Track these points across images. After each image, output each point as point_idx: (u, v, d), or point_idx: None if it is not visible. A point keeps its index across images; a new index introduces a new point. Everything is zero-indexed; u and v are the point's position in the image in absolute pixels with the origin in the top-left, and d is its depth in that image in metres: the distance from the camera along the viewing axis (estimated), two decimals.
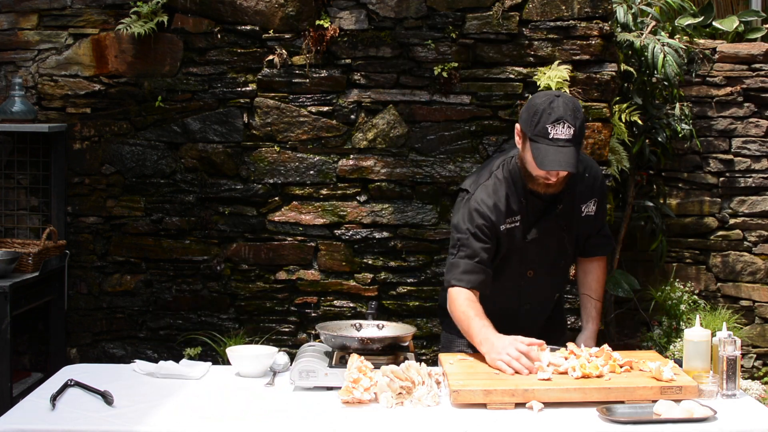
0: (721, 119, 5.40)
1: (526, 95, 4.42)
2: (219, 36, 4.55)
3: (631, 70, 4.71)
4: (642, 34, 4.87)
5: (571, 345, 3.00)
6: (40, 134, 4.61)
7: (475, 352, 3.08)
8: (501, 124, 4.51)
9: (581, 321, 3.38)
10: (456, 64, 4.46)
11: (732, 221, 5.41)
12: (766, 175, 5.38)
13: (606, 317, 4.88)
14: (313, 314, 4.63)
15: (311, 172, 4.58)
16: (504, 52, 4.46)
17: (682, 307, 5.06)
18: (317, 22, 4.49)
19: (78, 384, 2.83)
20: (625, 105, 4.64)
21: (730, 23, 5.50)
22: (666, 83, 5.00)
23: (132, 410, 2.67)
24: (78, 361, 4.53)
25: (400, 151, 4.55)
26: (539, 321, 3.29)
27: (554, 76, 4.27)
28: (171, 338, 4.68)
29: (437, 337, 4.57)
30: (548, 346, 2.97)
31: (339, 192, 4.58)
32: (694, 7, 5.41)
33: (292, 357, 3.06)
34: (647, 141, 5.06)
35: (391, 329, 3.17)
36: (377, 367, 2.81)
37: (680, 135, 5.16)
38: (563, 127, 2.91)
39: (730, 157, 5.40)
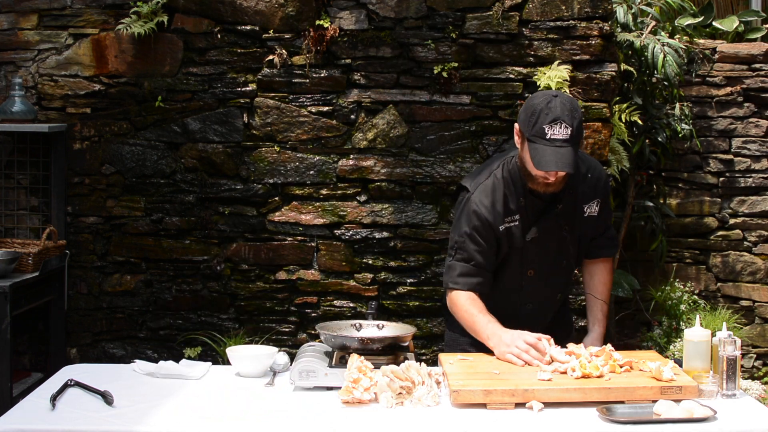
0: (721, 119, 5.40)
1: (526, 95, 4.42)
2: (219, 36, 4.55)
3: (631, 70, 4.71)
4: (642, 34, 4.87)
5: (571, 345, 3.00)
6: (40, 134, 4.61)
7: (479, 351, 3.10)
8: (501, 124, 4.51)
9: (587, 323, 3.38)
10: (456, 64, 4.46)
11: (732, 221, 5.42)
12: (766, 175, 5.38)
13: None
14: (313, 314, 4.63)
15: (311, 172, 4.58)
16: (504, 52, 4.46)
17: (682, 307, 5.06)
18: (317, 22, 4.49)
19: (78, 384, 2.82)
20: (625, 105, 4.64)
21: (730, 23, 5.51)
22: (666, 83, 5.01)
23: (132, 410, 2.67)
24: (78, 361, 4.53)
25: (400, 151, 4.55)
26: (542, 322, 3.29)
27: (554, 76, 4.27)
28: (171, 338, 4.68)
29: (437, 337, 4.58)
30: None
31: (339, 192, 4.58)
32: (694, 7, 5.41)
33: (292, 357, 3.06)
34: (647, 141, 5.06)
35: (391, 329, 3.17)
36: (377, 367, 2.81)
37: (680, 135, 5.16)
38: (560, 128, 2.92)
39: (730, 157, 5.41)
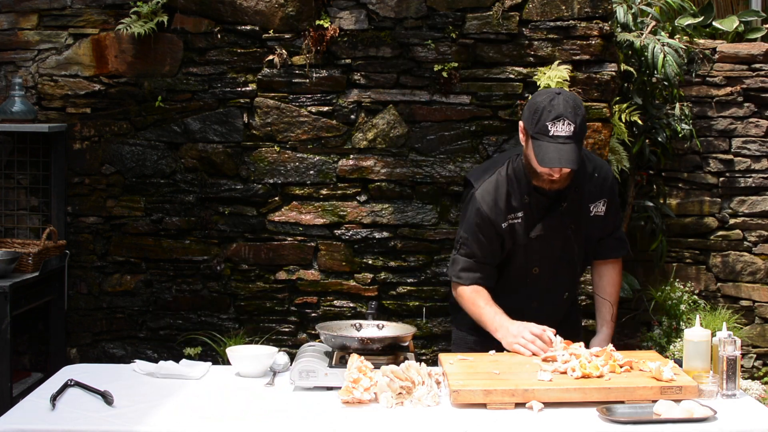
0: (721, 119, 5.40)
1: (526, 95, 4.42)
2: (219, 36, 4.55)
3: (631, 70, 4.71)
4: (642, 34, 4.87)
5: (572, 345, 3.01)
6: (40, 134, 4.61)
7: (486, 349, 3.11)
8: (501, 124, 4.51)
9: (595, 323, 3.40)
10: (456, 64, 4.46)
11: (732, 221, 5.41)
12: (766, 175, 5.38)
13: None
14: (313, 314, 4.63)
15: (311, 172, 4.58)
16: (504, 52, 4.46)
17: (682, 307, 5.06)
18: (317, 22, 4.49)
19: (78, 384, 2.82)
20: (625, 105, 4.64)
21: (730, 23, 5.50)
22: (666, 83, 5.00)
23: (132, 410, 2.67)
24: (78, 361, 4.53)
25: (400, 151, 4.55)
26: (549, 322, 3.30)
27: (554, 76, 4.27)
28: (171, 338, 4.68)
29: (437, 337, 4.58)
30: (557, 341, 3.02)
31: (339, 192, 4.58)
32: (694, 7, 5.41)
33: (292, 357, 3.06)
34: (647, 141, 5.06)
35: (391, 329, 3.17)
36: (377, 367, 2.81)
37: (680, 135, 5.16)
38: (563, 125, 2.95)
39: (730, 157, 5.41)
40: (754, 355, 5.39)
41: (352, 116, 4.55)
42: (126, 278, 4.69)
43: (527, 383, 2.73)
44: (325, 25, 4.47)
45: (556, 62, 4.38)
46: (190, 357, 4.43)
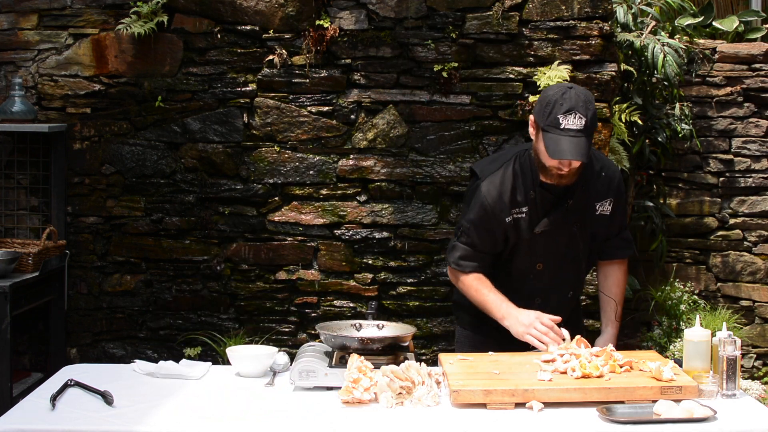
0: (721, 119, 5.40)
1: (526, 95, 4.42)
2: (219, 36, 4.55)
3: (631, 70, 4.71)
4: (642, 34, 4.87)
5: (572, 346, 3.00)
6: (40, 134, 4.61)
7: (490, 348, 3.12)
8: (501, 124, 4.51)
9: (600, 323, 3.40)
10: (456, 64, 4.46)
11: (732, 221, 5.41)
12: (766, 175, 5.38)
13: None
14: (313, 314, 4.63)
15: (311, 172, 4.58)
16: (504, 52, 4.46)
17: (682, 307, 5.06)
18: (317, 22, 4.49)
19: (78, 384, 2.82)
20: (625, 105, 4.64)
21: (730, 23, 5.50)
22: (666, 83, 5.01)
23: (132, 410, 2.67)
24: (78, 361, 4.53)
25: (400, 151, 4.55)
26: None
27: (554, 76, 4.27)
28: (171, 338, 4.68)
29: (437, 337, 4.58)
30: (553, 348, 3.00)
31: (339, 192, 4.58)
32: (694, 7, 5.41)
33: (292, 357, 3.06)
34: (647, 141, 5.06)
35: (391, 329, 3.17)
36: (377, 367, 2.81)
37: (680, 135, 5.16)
38: (574, 118, 2.95)
39: (730, 157, 5.41)
40: (754, 355, 5.39)
41: (352, 116, 4.55)
42: (126, 278, 4.69)
43: (527, 383, 2.73)
44: (325, 25, 4.48)
45: (556, 62, 4.38)
46: (190, 357, 4.43)
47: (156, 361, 3.18)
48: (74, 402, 2.73)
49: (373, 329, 3.16)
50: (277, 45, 4.53)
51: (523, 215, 3.16)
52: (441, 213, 4.56)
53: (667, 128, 5.10)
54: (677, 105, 5.16)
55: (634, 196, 5.10)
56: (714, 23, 5.55)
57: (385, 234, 4.58)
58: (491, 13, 4.44)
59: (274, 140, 4.58)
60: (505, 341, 3.13)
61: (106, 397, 2.73)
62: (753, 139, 5.39)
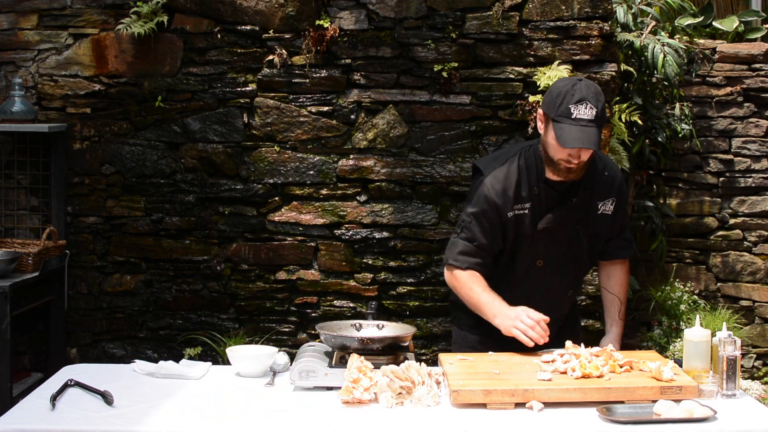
0: (721, 119, 5.40)
1: (526, 95, 4.42)
2: (219, 36, 4.55)
3: (631, 70, 4.71)
4: (642, 34, 4.87)
5: (571, 345, 3.00)
6: (40, 134, 4.61)
7: (488, 349, 3.12)
8: (501, 124, 4.51)
9: (605, 323, 3.40)
10: (456, 64, 4.46)
11: (732, 221, 5.41)
12: (766, 175, 5.38)
13: None
14: (313, 314, 4.63)
15: (311, 172, 4.58)
16: (504, 52, 4.46)
17: (682, 307, 5.06)
18: (317, 22, 4.49)
19: (78, 384, 2.82)
20: (625, 105, 4.64)
21: (730, 23, 5.50)
22: (666, 83, 5.00)
23: (132, 410, 2.67)
24: (78, 361, 4.53)
25: (400, 151, 4.55)
26: (552, 319, 3.31)
27: (554, 76, 4.27)
28: (171, 338, 4.67)
29: (437, 337, 4.58)
30: (555, 349, 2.99)
31: (339, 192, 4.58)
32: (694, 7, 5.41)
33: (292, 357, 3.06)
34: (647, 141, 5.06)
35: (391, 329, 3.17)
36: (377, 367, 2.81)
37: (680, 135, 5.16)
38: (586, 108, 2.96)
39: (730, 157, 5.41)
40: (754, 355, 5.39)
41: (352, 116, 4.55)
42: (126, 278, 4.69)
43: (527, 383, 2.73)
44: (325, 25, 4.48)
45: (556, 62, 4.38)
46: (190, 357, 4.43)
47: (156, 361, 3.18)
48: (74, 402, 2.73)
49: (373, 329, 3.16)
50: (277, 45, 4.53)
51: (526, 211, 3.15)
52: (441, 213, 4.56)
53: (667, 128, 5.10)
54: (677, 105, 5.16)
55: (634, 196, 5.10)
56: (714, 23, 5.55)
57: (385, 234, 4.58)
58: (491, 13, 4.44)
59: (274, 140, 4.58)
60: (504, 343, 3.13)
61: (106, 397, 2.73)
62: (753, 139, 5.39)
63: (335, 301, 4.62)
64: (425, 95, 4.51)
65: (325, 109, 4.54)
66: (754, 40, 5.51)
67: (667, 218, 5.33)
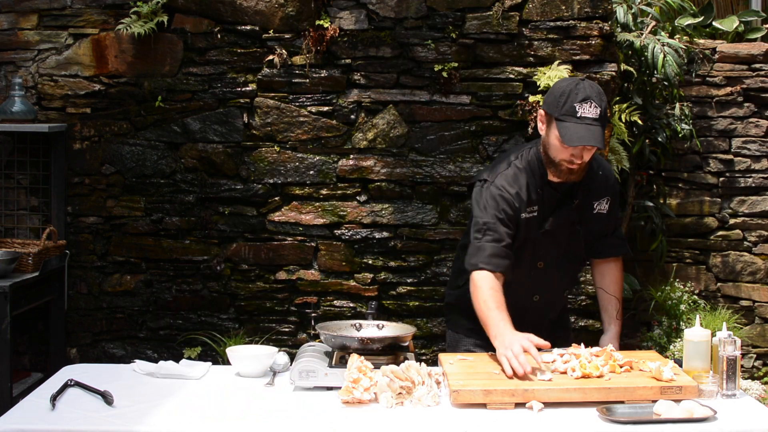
0: (721, 119, 5.40)
1: (526, 95, 4.42)
2: (219, 36, 4.55)
3: (631, 70, 4.71)
4: (642, 34, 4.87)
5: (572, 346, 3.00)
6: (40, 134, 4.61)
7: (482, 351, 3.11)
8: (501, 124, 4.51)
9: (602, 322, 3.38)
10: (456, 64, 4.46)
11: (732, 221, 5.41)
12: (766, 175, 5.38)
13: None
14: (313, 314, 4.62)
15: (311, 172, 4.58)
16: (504, 52, 4.46)
17: (682, 307, 5.06)
18: (317, 22, 4.49)
19: (78, 384, 2.82)
20: (625, 105, 4.64)
21: (730, 23, 5.50)
22: (666, 83, 5.00)
23: (132, 410, 2.67)
24: (78, 361, 4.53)
25: (400, 151, 4.55)
26: (547, 317, 3.30)
27: (554, 76, 4.27)
28: (171, 338, 4.68)
29: (437, 337, 4.57)
30: (555, 348, 2.98)
31: (339, 192, 4.58)
32: (694, 7, 5.41)
33: (292, 357, 3.06)
34: (647, 141, 5.06)
35: (391, 329, 3.17)
36: (377, 367, 2.81)
37: (680, 135, 5.16)
38: (590, 107, 2.95)
39: (730, 157, 5.41)
40: (754, 355, 5.39)
41: (352, 116, 4.55)
42: (126, 278, 4.69)
43: (527, 383, 2.73)
44: (325, 25, 4.48)
45: (556, 62, 4.38)
46: (190, 357, 4.43)
47: (156, 361, 3.18)
48: (74, 402, 2.73)
49: (373, 329, 3.16)
50: (277, 45, 4.53)
51: (535, 214, 3.13)
52: (441, 213, 4.56)
53: (667, 128, 5.10)
54: (677, 105, 5.16)
55: (634, 196, 5.10)
56: (714, 23, 5.55)
57: (385, 234, 4.58)
58: (491, 13, 4.44)
59: (274, 140, 4.58)
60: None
61: (106, 397, 2.73)
62: (753, 139, 5.39)
63: (335, 301, 4.62)
64: (425, 95, 4.51)
65: (325, 109, 4.54)
66: (754, 40, 5.51)
67: (667, 218, 5.33)
